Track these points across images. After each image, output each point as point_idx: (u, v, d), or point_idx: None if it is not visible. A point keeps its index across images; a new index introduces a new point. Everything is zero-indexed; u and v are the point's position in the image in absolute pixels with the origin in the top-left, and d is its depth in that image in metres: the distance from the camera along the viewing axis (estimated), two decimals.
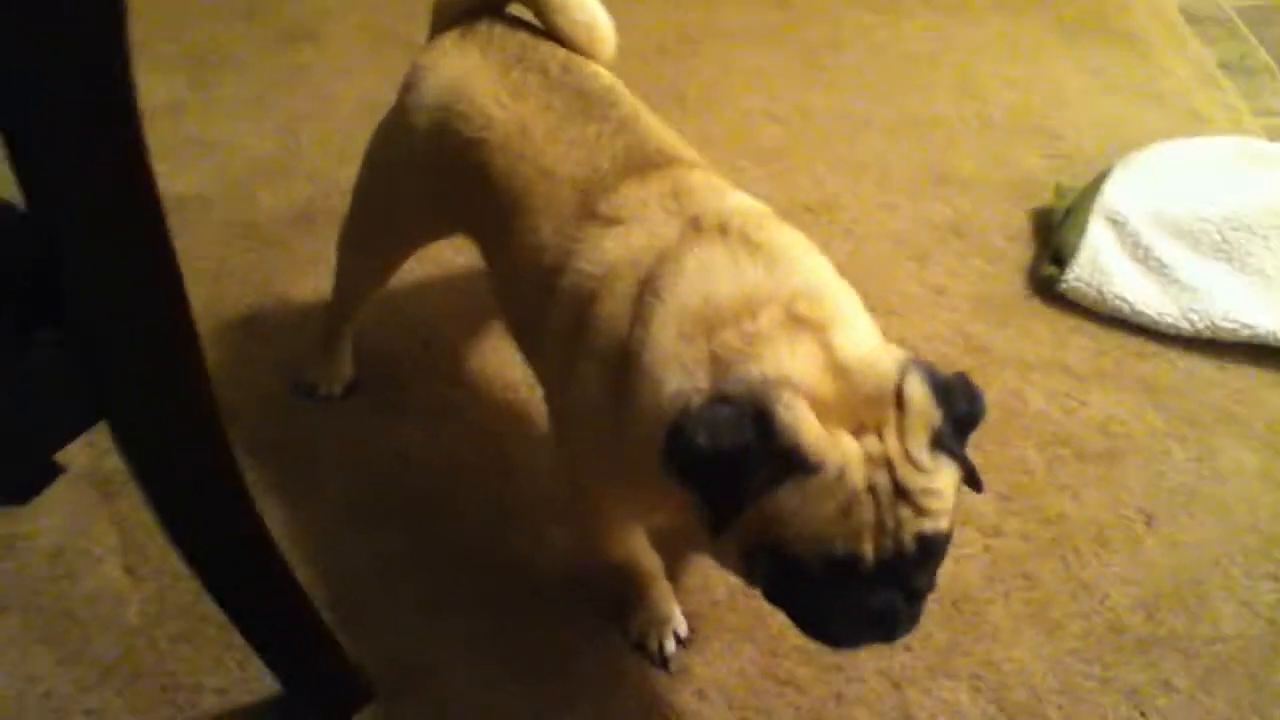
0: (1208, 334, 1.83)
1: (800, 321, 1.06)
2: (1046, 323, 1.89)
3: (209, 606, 1.25)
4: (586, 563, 1.54)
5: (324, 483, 1.65)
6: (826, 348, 1.04)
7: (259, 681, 1.40)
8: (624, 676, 1.44)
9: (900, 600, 1.05)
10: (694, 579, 1.54)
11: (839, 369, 1.02)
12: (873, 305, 1.87)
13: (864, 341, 1.08)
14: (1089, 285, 1.88)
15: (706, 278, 1.11)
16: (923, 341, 1.85)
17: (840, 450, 0.98)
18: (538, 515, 1.61)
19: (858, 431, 1.00)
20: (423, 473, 1.66)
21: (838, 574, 1.01)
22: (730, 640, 1.48)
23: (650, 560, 1.45)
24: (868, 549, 1.01)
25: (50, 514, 1.57)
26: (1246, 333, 1.81)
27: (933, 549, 1.04)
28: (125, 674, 1.42)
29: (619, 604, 1.48)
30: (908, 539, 1.01)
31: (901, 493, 1.00)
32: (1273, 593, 1.53)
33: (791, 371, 1.01)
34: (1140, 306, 1.85)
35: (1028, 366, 1.81)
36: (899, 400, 1.00)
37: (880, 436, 1.00)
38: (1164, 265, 1.88)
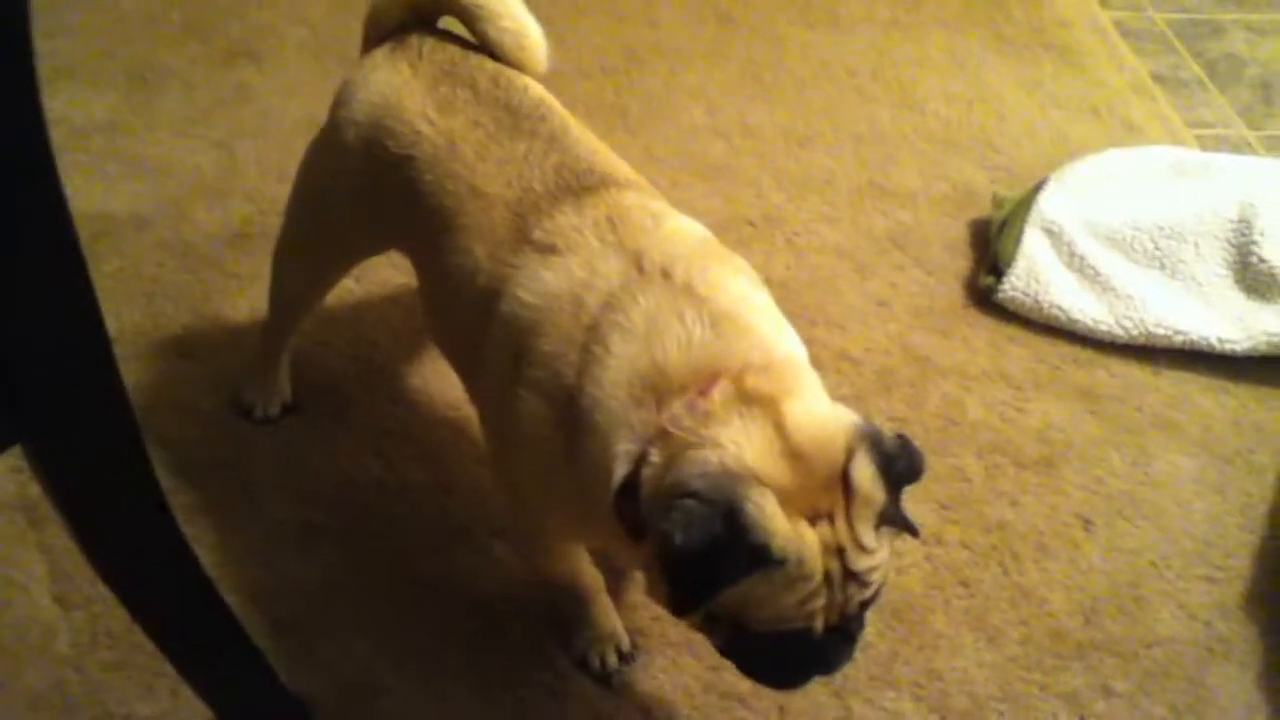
0: (1142, 340, 1.85)
1: (751, 398, 1.07)
2: (985, 332, 1.91)
3: (140, 634, 1.22)
4: (530, 580, 1.53)
5: (263, 503, 1.62)
6: (779, 427, 1.06)
7: (192, 709, 1.37)
8: (569, 693, 1.43)
9: (841, 645, 1.14)
10: (636, 594, 1.53)
11: (793, 452, 1.05)
12: (815, 317, 1.93)
13: (814, 412, 1.09)
14: (1026, 294, 1.90)
15: (655, 337, 1.12)
16: (864, 354, 1.87)
17: (801, 543, 1.03)
18: (480, 531, 1.60)
19: (812, 518, 1.05)
20: (364, 492, 1.64)
21: (791, 642, 1.09)
22: (673, 655, 1.47)
23: (591, 577, 1.44)
24: (819, 623, 1.08)
25: None
26: (1180, 338, 1.84)
27: (869, 604, 1.12)
28: (56, 705, 1.39)
29: (561, 621, 1.47)
30: (853, 607, 1.09)
31: (850, 575, 1.07)
32: (1208, 594, 1.55)
33: (751, 461, 1.04)
34: (1076, 314, 1.87)
35: (967, 376, 1.83)
36: (846, 483, 1.05)
37: (832, 523, 1.05)
38: (1098, 273, 1.91)
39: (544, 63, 1.47)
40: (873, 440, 1.07)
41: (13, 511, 1.57)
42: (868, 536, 1.05)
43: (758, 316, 1.17)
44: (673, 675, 1.45)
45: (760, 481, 1.02)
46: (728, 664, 1.43)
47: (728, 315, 1.14)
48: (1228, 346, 1.83)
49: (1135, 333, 1.85)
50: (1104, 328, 1.86)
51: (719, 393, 1.08)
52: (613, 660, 1.45)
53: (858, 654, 1.42)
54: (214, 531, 1.57)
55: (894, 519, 1.08)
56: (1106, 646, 1.49)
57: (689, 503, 1.02)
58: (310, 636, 1.47)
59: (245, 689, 1.32)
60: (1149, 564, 1.59)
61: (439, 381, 1.78)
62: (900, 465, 1.08)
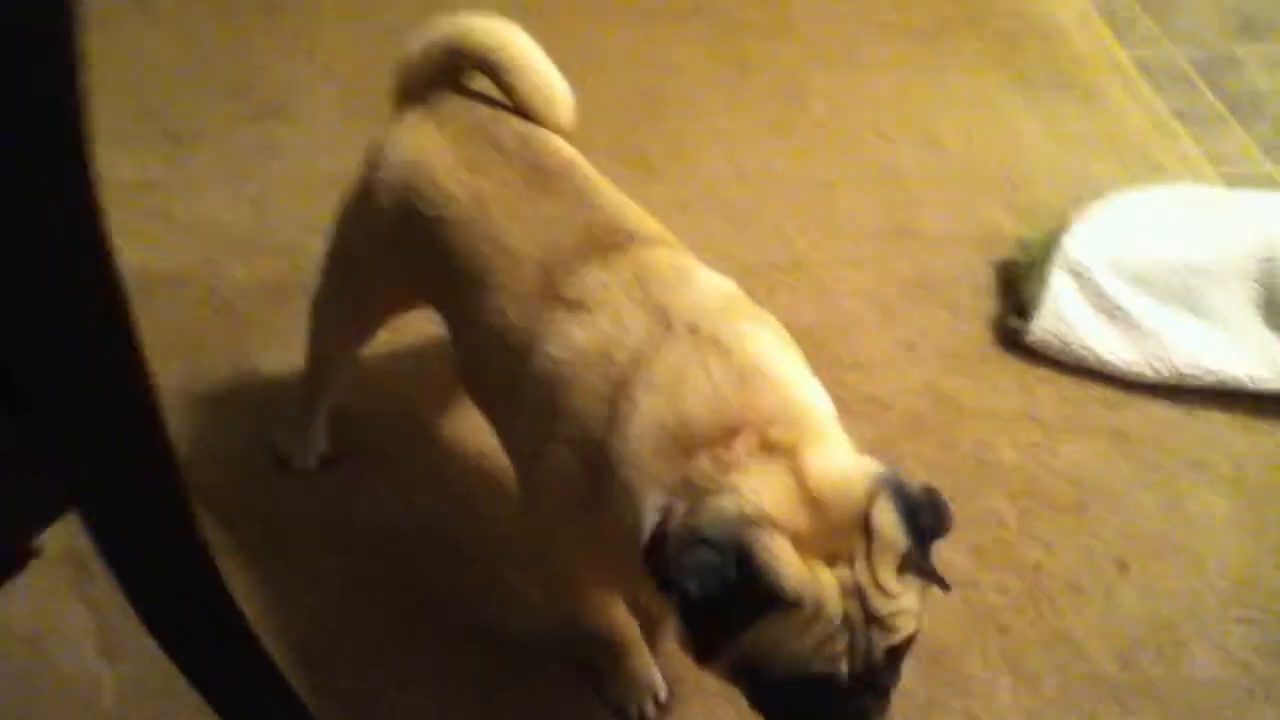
0: (1172, 380, 1.85)
1: (773, 448, 1.09)
2: (1014, 374, 1.92)
3: (184, 687, 1.24)
4: (564, 629, 1.54)
5: (300, 553, 1.64)
6: (799, 475, 1.07)
7: None
8: None
9: (871, 699, 1.11)
10: (671, 643, 1.53)
11: (811, 499, 1.06)
12: (843, 362, 1.94)
13: (835, 462, 1.10)
14: (1054, 336, 1.91)
15: (681, 391, 1.13)
16: (892, 397, 1.88)
17: (817, 585, 1.03)
18: (515, 581, 1.61)
19: (831, 560, 1.04)
20: (399, 542, 1.66)
21: (816, 690, 1.07)
22: (709, 703, 1.48)
23: (627, 626, 1.45)
24: (843, 669, 1.06)
25: (23, 598, 1.56)
26: (1210, 378, 1.84)
27: (901, 654, 1.10)
28: None
29: (597, 669, 1.48)
30: (878, 654, 1.07)
31: (872, 618, 1.05)
32: (1246, 637, 1.55)
33: (768, 506, 1.04)
34: (1105, 355, 1.88)
35: (997, 419, 1.84)
36: (868, 528, 1.05)
37: (851, 565, 1.04)
38: (1127, 313, 1.92)
39: (571, 117, 1.49)
40: (896, 488, 1.07)
41: (60, 566, 1.59)
42: (889, 580, 1.05)
43: (783, 371, 1.18)
44: None
45: (775, 525, 1.03)
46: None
47: (754, 369, 1.15)
48: (1259, 385, 1.83)
49: (1165, 373, 1.85)
50: (1134, 368, 1.86)
51: (741, 443, 1.09)
52: (650, 709, 1.46)
53: (893, 700, 1.45)
54: (251, 582, 1.59)
55: (919, 567, 1.07)
56: (1144, 689, 1.49)
57: (700, 549, 1.03)
58: (340, 684, 1.49)
59: None
60: (1185, 607, 1.58)
61: (471, 432, 1.80)
62: (926, 517, 1.08)
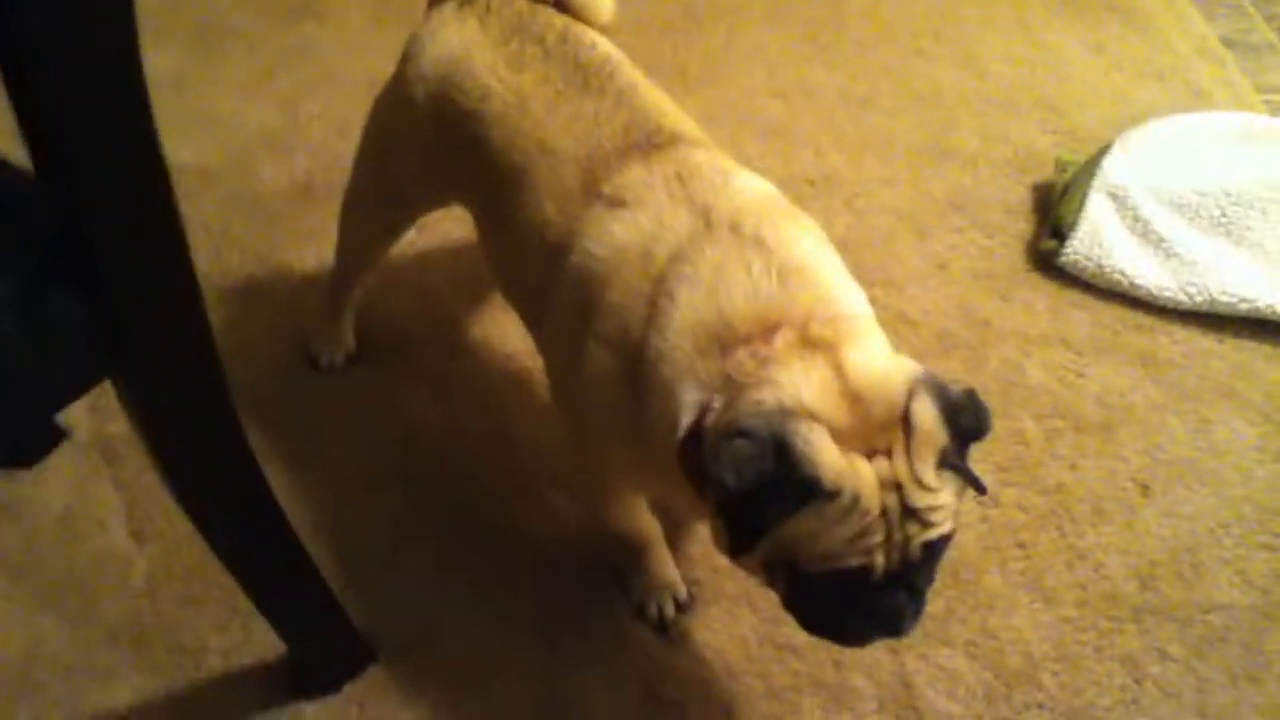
0: (1206, 307, 1.83)
1: (814, 344, 1.08)
2: (1046, 296, 1.90)
3: (213, 569, 1.26)
4: (590, 529, 1.55)
5: (327, 450, 1.66)
6: (839, 370, 1.06)
7: (263, 643, 1.42)
8: (628, 641, 1.46)
9: (905, 599, 1.11)
10: (695, 546, 1.55)
11: (851, 393, 1.05)
12: (873, 279, 1.92)
13: (876, 359, 1.10)
14: (1088, 259, 1.88)
15: (721, 288, 1.12)
16: (923, 316, 1.86)
17: (855, 476, 1.03)
18: (541, 482, 1.62)
19: (869, 454, 1.04)
20: (426, 440, 1.68)
21: (850, 585, 1.08)
22: (730, 606, 1.49)
23: (651, 527, 1.47)
24: (879, 562, 1.06)
25: (55, 480, 1.59)
26: (1245, 306, 1.82)
27: (936, 551, 1.10)
28: (131, 636, 1.44)
29: (620, 570, 1.50)
30: (914, 549, 1.07)
31: (910, 511, 1.05)
32: (1267, 562, 1.55)
33: (807, 399, 1.04)
34: (1139, 280, 1.86)
35: (1027, 340, 1.82)
36: (907, 422, 1.04)
37: (890, 458, 1.04)
38: (1163, 239, 1.89)
39: (611, 13, 1.47)
40: (937, 387, 1.07)
41: (90, 449, 1.62)
42: (928, 474, 1.04)
43: (825, 271, 1.18)
44: (729, 626, 1.47)
45: (813, 417, 1.03)
46: (785, 616, 1.46)
47: (795, 268, 1.14)
48: None
49: (1200, 300, 1.83)
50: (1168, 294, 1.84)
51: (781, 339, 1.08)
52: (670, 610, 1.47)
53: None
54: (281, 475, 1.60)
55: (958, 465, 1.06)
56: (1163, 611, 1.49)
57: (739, 442, 1.03)
58: (375, 579, 1.51)
59: (315, 623, 1.36)
60: (1207, 530, 1.58)
61: (498, 333, 1.81)
62: (966, 418, 1.07)
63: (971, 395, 1.09)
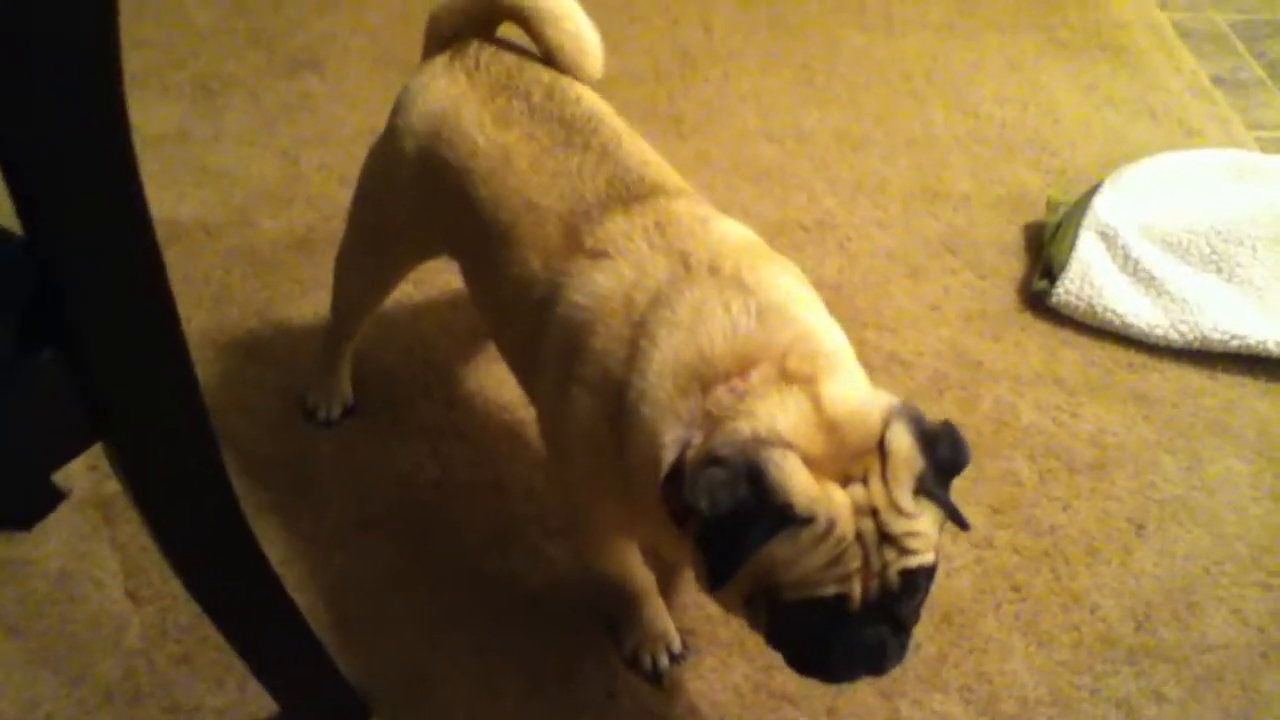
0: (1197, 345, 1.84)
1: (791, 377, 1.09)
2: (1038, 336, 1.91)
3: (209, 628, 1.27)
4: (583, 579, 1.56)
5: (324, 503, 1.67)
6: (816, 402, 1.07)
7: (258, 702, 1.42)
8: (619, 692, 1.46)
9: (888, 633, 1.11)
10: (687, 595, 1.55)
11: (828, 423, 1.06)
12: (866, 321, 1.94)
13: (853, 392, 1.11)
14: (1079, 298, 1.89)
15: (700, 328, 1.14)
16: (915, 357, 1.87)
17: (830, 502, 1.03)
18: (535, 533, 1.63)
19: (844, 481, 1.05)
20: (421, 492, 1.69)
21: (829, 615, 1.08)
22: (724, 656, 1.49)
23: (644, 577, 1.47)
24: (856, 590, 1.06)
25: (53, 539, 1.60)
26: (1236, 343, 1.82)
27: (917, 583, 1.09)
28: (127, 696, 1.45)
29: (613, 620, 1.50)
30: (892, 577, 1.07)
31: (886, 538, 1.05)
32: (1263, 601, 1.54)
33: (782, 427, 1.05)
34: (1130, 319, 1.86)
35: (1019, 380, 1.83)
36: (883, 449, 1.05)
37: (866, 485, 1.05)
38: (1154, 277, 1.90)
39: (600, 67, 1.49)
40: (913, 417, 1.07)
41: (88, 508, 1.63)
42: (904, 499, 1.05)
43: (803, 309, 1.19)
44: (723, 675, 1.47)
45: (788, 446, 1.03)
46: (778, 664, 1.46)
47: (774, 307, 1.16)
48: None
49: (1191, 337, 1.84)
50: (1159, 332, 1.85)
51: (758, 374, 1.10)
52: (664, 660, 1.47)
53: (908, 657, 1.46)
54: (277, 529, 1.62)
55: (935, 492, 1.06)
56: (1158, 652, 1.49)
57: (713, 470, 1.04)
58: (368, 631, 1.52)
59: (309, 682, 1.36)
60: (1202, 569, 1.58)
61: (494, 384, 1.82)
62: (943, 448, 1.07)
63: (948, 426, 1.10)
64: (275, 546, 1.59)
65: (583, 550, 1.51)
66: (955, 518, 1.10)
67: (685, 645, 1.49)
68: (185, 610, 1.49)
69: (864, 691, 1.44)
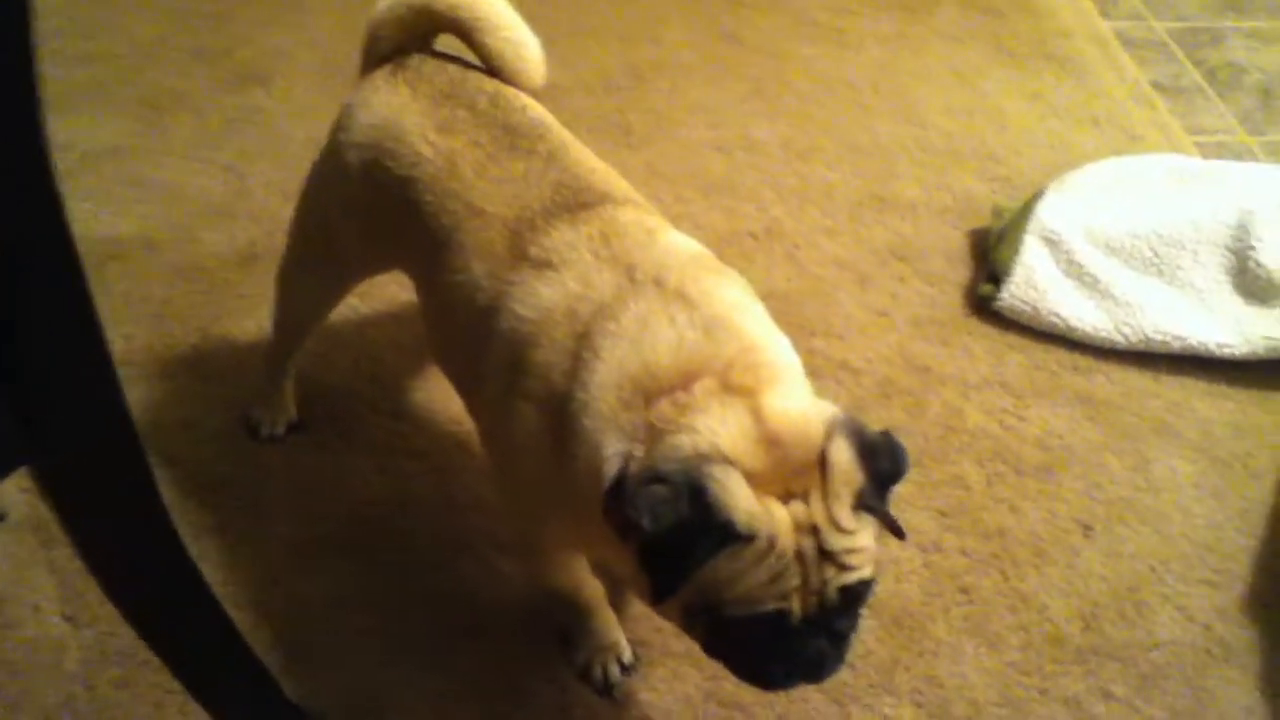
0: (1141, 347, 1.86)
1: (733, 390, 1.09)
2: (985, 341, 1.92)
3: (149, 652, 1.24)
4: (533, 593, 1.54)
5: (270, 521, 1.65)
6: (757, 415, 1.07)
7: None
8: (573, 703, 1.45)
9: (826, 646, 1.12)
10: (638, 606, 1.54)
11: (769, 437, 1.06)
12: (815, 329, 1.94)
13: (794, 405, 1.11)
14: (1025, 303, 1.91)
15: (645, 340, 1.13)
16: (864, 364, 1.88)
17: (771, 519, 1.04)
18: (485, 547, 1.61)
19: (785, 498, 1.05)
20: (370, 508, 1.67)
21: (768, 628, 1.08)
22: (674, 666, 1.48)
23: (593, 589, 1.46)
24: (796, 606, 1.07)
25: None
26: (1178, 344, 1.84)
27: (854, 597, 1.10)
28: None
29: (564, 633, 1.49)
30: (831, 593, 1.08)
31: (826, 555, 1.06)
32: (1208, 598, 1.56)
33: (724, 443, 1.05)
34: (1075, 322, 1.88)
35: (967, 384, 1.84)
36: (824, 464, 1.05)
37: (806, 502, 1.05)
38: (1097, 281, 1.92)
39: (542, 75, 1.49)
40: (852, 429, 1.08)
41: (24, 531, 1.59)
42: (844, 516, 1.05)
43: (749, 322, 1.19)
44: (674, 685, 1.46)
45: (729, 461, 1.03)
46: (728, 674, 1.46)
47: (719, 320, 1.15)
48: (1226, 351, 1.84)
49: (1134, 339, 1.86)
50: (1103, 334, 1.87)
51: (700, 387, 1.09)
52: (614, 671, 1.46)
53: (855, 661, 1.46)
54: (221, 550, 1.60)
55: (875, 507, 1.07)
56: (1106, 651, 1.50)
57: (655, 487, 1.04)
58: (317, 653, 1.49)
59: (251, 705, 1.34)
60: (1148, 569, 1.59)
61: (442, 398, 1.81)
62: (883, 459, 1.08)
63: (888, 436, 1.10)
64: (218, 568, 1.57)
65: (531, 564, 1.49)
66: (893, 529, 1.11)
67: (636, 656, 1.48)
68: (125, 634, 1.45)
69: (815, 698, 1.44)
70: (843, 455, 1.06)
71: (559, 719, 1.44)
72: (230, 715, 1.32)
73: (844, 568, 1.06)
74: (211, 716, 1.32)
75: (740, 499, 1.02)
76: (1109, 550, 1.61)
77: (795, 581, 1.05)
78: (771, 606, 1.06)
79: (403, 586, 1.57)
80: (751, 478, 1.04)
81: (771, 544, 1.03)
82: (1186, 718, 1.43)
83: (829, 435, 1.06)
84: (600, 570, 1.47)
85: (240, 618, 1.28)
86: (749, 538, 1.02)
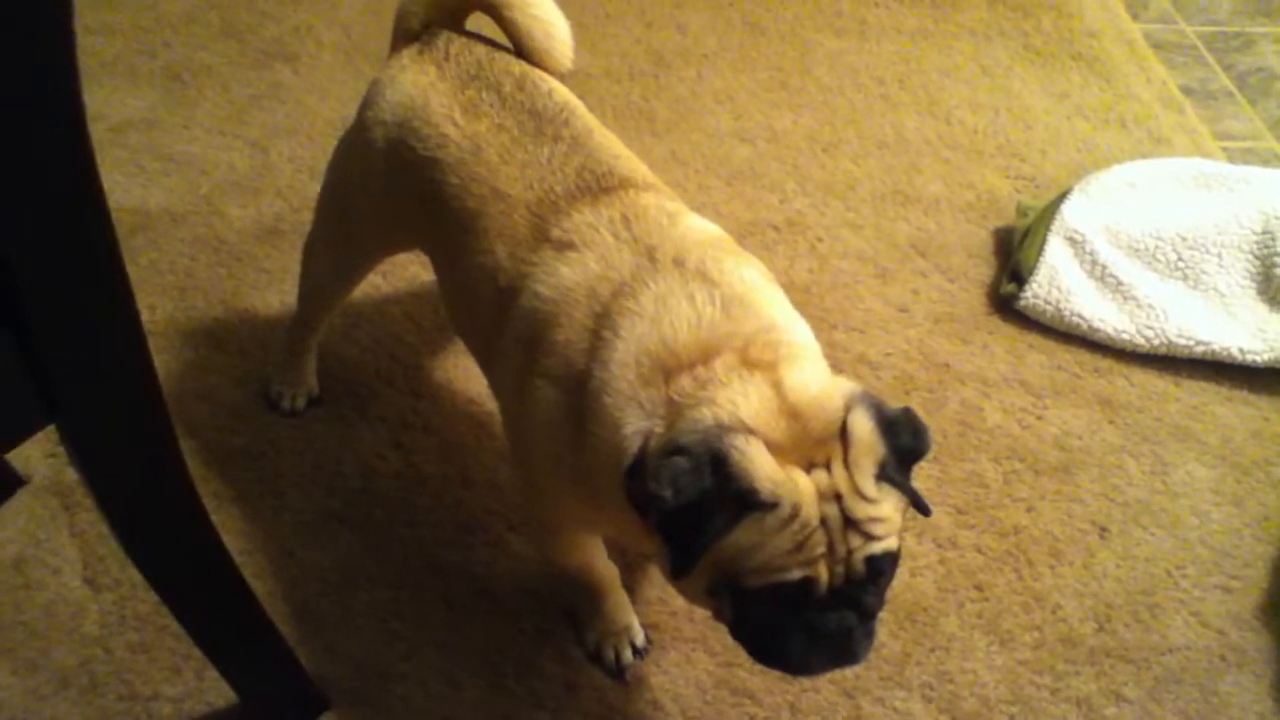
0: (1163, 350, 1.85)
1: (753, 365, 1.09)
2: (1005, 339, 1.92)
3: (167, 617, 1.26)
4: (546, 573, 1.55)
5: (287, 494, 1.66)
6: (778, 389, 1.07)
7: (216, 691, 1.41)
8: (582, 684, 1.45)
9: (854, 620, 1.10)
10: (651, 590, 1.55)
11: (790, 409, 1.06)
12: (835, 322, 1.94)
13: (814, 379, 1.11)
14: (1047, 303, 1.90)
15: (665, 318, 1.13)
16: (883, 358, 1.88)
17: (793, 486, 1.03)
18: (498, 525, 1.62)
19: (808, 467, 1.05)
20: (385, 484, 1.67)
21: (795, 601, 1.07)
22: (687, 651, 1.49)
23: (607, 571, 1.46)
24: (822, 574, 1.06)
25: (10, 525, 1.58)
26: (1201, 349, 1.84)
27: (881, 568, 1.09)
28: (83, 684, 1.43)
29: (576, 614, 1.49)
30: (857, 563, 1.07)
31: (850, 522, 1.05)
32: (1222, 603, 1.55)
33: (744, 414, 1.05)
34: (1097, 323, 1.88)
35: (986, 382, 1.84)
36: (845, 435, 1.05)
37: (829, 470, 1.05)
38: (1120, 283, 1.91)
39: (570, 57, 1.49)
40: (874, 403, 1.08)
41: (47, 495, 1.61)
42: (867, 484, 1.05)
43: (767, 301, 1.19)
44: (685, 670, 1.47)
45: (751, 432, 1.03)
46: (741, 660, 1.46)
47: (738, 298, 1.16)
48: (1249, 358, 1.83)
49: (1157, 342, 1.85)
50: (1125, 337, 1.86)
51: (720, 362, 1.10)
52: (626, 654, 1.47)
53: (871, 654, 1.46)
54: (239, 519, 1.61)
55: (897, 479, 1.07)
56: (1119, 653, 1.50)
57: (676, 459, 1.03)
58: (329, 623, 1.50)
59: (267, 672, 1.35)
60: (1164, 572, 1.59)
61: (461, 377, 1.81)
62: (904, 434, 1.08)
63: (909, 412, 1.10)
64: (236, 537, 1.58)
65: (546, 545, 1.50)
66: (917, 503, 1.10)
67: (648, 639, 1.49)
68: (144, 599, 1.47)
69: (826, 689, 1.44)
70: (864, 426, 1.05)
71: (567, 698, 1.44)
72: (246, 681, 1.34)
73: (869, 537, 1.06)
74: (228, 681, 1.33)
75: (763, 466, 1.02)
76: (1124, 553, 1.61)
77: (820, 549, 1.04)
78: (797, 574, 1.05)
79: (415, 562, 1.58)
80: (773, 448, 1.03)
81: (795, 511, 1.03)
82: None
83: (849, 407, 1.06)
84: (615, 552, 1.48)
85: (254, 586, 1.28)
86: (772, 504, 1.02)
